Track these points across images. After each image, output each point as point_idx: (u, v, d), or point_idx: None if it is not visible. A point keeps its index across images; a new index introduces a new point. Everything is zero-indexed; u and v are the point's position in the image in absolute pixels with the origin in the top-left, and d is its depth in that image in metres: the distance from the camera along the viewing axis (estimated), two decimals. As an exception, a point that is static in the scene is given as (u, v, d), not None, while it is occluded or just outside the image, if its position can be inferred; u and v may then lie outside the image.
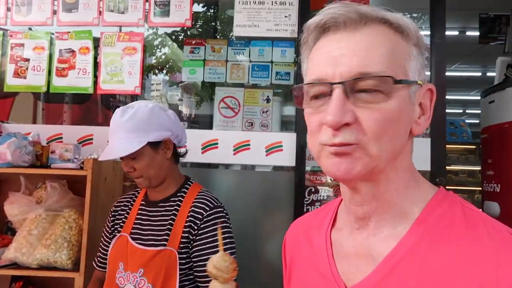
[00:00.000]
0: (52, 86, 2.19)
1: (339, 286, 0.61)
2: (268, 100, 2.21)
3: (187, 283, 1.30)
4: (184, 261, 1.28)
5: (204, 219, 1.30)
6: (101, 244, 1.48)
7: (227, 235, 1.32)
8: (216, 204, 1.35)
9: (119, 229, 1.41)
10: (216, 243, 1.27)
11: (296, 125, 2.07)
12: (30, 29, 2.33)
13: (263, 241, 2.03)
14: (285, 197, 2.03)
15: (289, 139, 2.05)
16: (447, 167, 4.66)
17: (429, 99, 0.61)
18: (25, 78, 2.21)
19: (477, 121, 9.60)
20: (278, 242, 1.98)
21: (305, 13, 2.12)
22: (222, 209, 1.36)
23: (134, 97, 3.31)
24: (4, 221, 1.87)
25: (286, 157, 2.05)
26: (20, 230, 1.67)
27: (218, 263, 0.76)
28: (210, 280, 1.21)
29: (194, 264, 1.30)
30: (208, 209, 1.32)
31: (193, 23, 2.24)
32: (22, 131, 1.90)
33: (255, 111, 2.20)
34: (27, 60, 2.22)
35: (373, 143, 0.55)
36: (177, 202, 1.36)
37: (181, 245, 1.29)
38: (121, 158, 1.33)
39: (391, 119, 0.55)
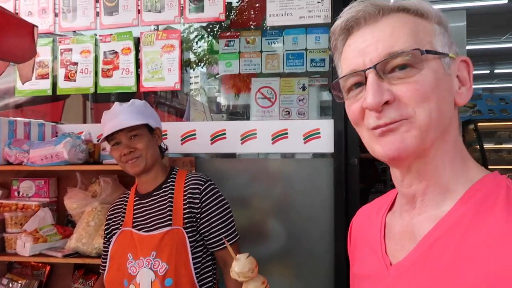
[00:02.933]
0: (99, 86, 2.33)
1: (385, 263, 0.65)
2: (304, 88, 2.22)
3: (196, 255, 1.43)
4: (190, 235, 1.42)
5: (203, 193, 1.45)
6: (103, 250, 1.60)
7: (226, 206, 1.49)
8: (206, 179, 1.51)
9: (118, 227, 1.52)
10: (220, 211, 1.46)
11: (333, 111, 2.08)
12: (74, 32, 2.47)
13: (305, 226, 2.07)
14: (325, 183, 2.05)
15: (326, 126, 2.06)
16: (498, 146, 4.44)
17: (466, 70, 0.63)
18: (74, 81, 2.36)
19: (532, 95, 8.97)
20: (319, 228, 2.01)
21: (337, -3, 2.09)
22: (213, 182, 1.52)
23: (173, 93, 3.44)
24: (64, 214, 2.04)
25: (325, 144, 2.06)
26: (79, 222, 1.82)
27: (239, 269, 0.84)
28: (222, 246, 1.43)
29: (205, 234, 1.44)
30: (202, 183, 1.47)
31: (227, 14, 2.29)
32: (75, 131, 2.05)
33: (292, 100, 2.22)
34: (76, 63, 2.37)
35: (419, 111, 0.57)
36: (170, 187, 1.49)
37: (185, 221, 1.42)
38: (117, 143, 1.44)
39: (430, 87, 0.57)
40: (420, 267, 0.59)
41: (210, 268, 1.49)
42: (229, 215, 1.49)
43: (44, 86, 2.40)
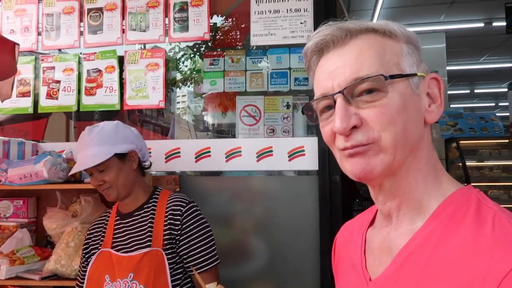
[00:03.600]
0: (82, 105, 2.31)
1: (365, 278, 0.65)
2: (288, 106, 2.24)
3: (176, 277, 1.40)
4: (170, 257, 1.39)
5: (184, 215, 1.42)
6: (79, 270, 1.56)
7: (207, 230, 1.46)
8: (189, 200, 1.48)
9: (97, 247, 1.49)
10: (200, 234, 1.42)
11: (318, 128, 2.09)
12: (60, 50, 2.46)
13: (290, 244, 2.05)
14: (310, 200, 2.04)
15: (311, 143, 2.07)
16: (479, 163, 4.53)
17: (436, 87, 0.63)
18: (57, 99, 2.34)
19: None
20: (305, 245, 1.99)
21: (320, 18, 2.14)
22: (195, 204, 1.49)
23: (159, 111, 3.43)
24: (43, 235, 1.98)
25: (309, 161, 2.07)
26: (59, 243, 1.77)
27: None
28: (199, 270, 1.38)
29: (184, 256, 1.41)
30: (184, 205, 1.44)
31: (211, 35, 2.31)
32: (56, 149, 2.01)
33: (276, 118, 2.23)
34: (58, 81, 2.35)
35: (384, 135, 0.58)
36: (152, 207, 1.47)
37: (165, 243, 1.39)
38: (90, 174, 1.45)
39: (396, 110, 0.58)
40: (395, 282, 0.59)
41: None
42: (210, 238, 1.46)
43: (25, 104, 2.36)
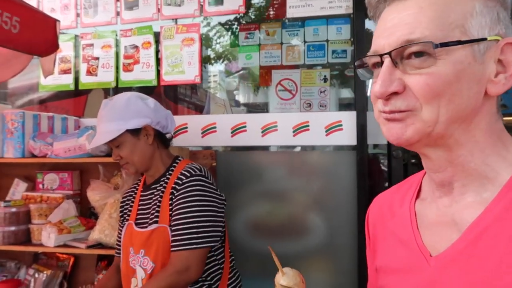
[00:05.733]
0: (120, 81, 2.35)
1: (424, 255, 0.61)
2: (325, 80, 2.18)
3: None
4: None
5: (181, 186, 1.33)
6: (118, 233, 1.58)
7: (199, 208, 1.31)
8: (195, 172, 1.36)
9: (127, 218, 1.50)
10: (188, 210, 1.29)
11: (356, 103, 2.03)
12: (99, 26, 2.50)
13: (327, 220, 2.04)
14: (347, 175, 2.01)
15: (349, 118, 2.02)
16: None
17: None
18: (96, 75, 2.39)
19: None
20: (342, 221, 1.97)
21: (359, -13, 2.05)
22: (203, 177, 1.36)
23: (193, 89, 3.44)
24: (87, 207, 2.06)
25: (347, 136, 2.03)
26: (102, 214, 1.83)
27: (291, 281, 0.75)
28: (174, 248, 1.27)
29: (172, 228, 1.31)
30: (187, 175, 1.35)
31: (246, 9, 2.27)
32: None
33: (313, 92, 2.19)
34: (97, 58, 2.40)
35: (426, 108, 0.54)
36: (166, 180, 1.41)
37: (170, 218, 1.34)
38: (110, 148, 1.44)
39: (444, 82, 0.53)
40: (469, 257, 0.55)
41: (207, 268, 1.38)
42: (199, 218, 1.30)
43: (67, 81, 2.43)
